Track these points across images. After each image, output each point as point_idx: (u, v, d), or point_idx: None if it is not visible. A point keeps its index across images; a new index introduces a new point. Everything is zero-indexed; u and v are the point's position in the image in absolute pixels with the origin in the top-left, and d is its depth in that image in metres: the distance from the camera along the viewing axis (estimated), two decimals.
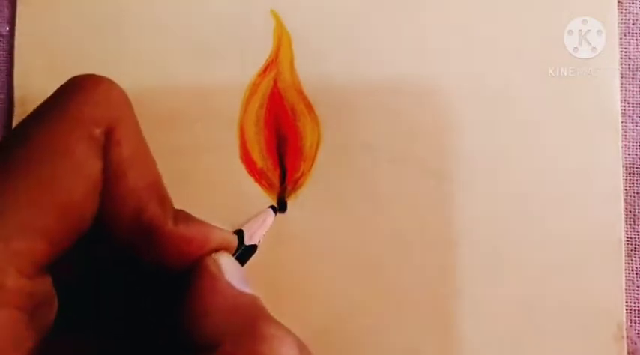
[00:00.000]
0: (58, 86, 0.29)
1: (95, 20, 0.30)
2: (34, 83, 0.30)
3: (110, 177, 0.17)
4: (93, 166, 0.17)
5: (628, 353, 0.28)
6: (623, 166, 0.29)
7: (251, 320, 0.17)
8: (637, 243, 0.29)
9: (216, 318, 0.17)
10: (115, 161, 0.17)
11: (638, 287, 0.28)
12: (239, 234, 0.26)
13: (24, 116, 0.29)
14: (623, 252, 0.28)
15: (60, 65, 0.30)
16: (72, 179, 0.16)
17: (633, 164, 0.29)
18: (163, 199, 0.18)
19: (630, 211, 0.29)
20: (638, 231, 0.29)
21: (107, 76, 0.18)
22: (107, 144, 0.17)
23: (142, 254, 0.18)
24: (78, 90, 0.17)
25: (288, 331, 0.17)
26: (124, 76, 0.30)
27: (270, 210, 0.29)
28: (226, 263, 0.19)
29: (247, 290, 0.19)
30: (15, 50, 0.30)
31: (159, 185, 0.18)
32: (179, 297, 0.18)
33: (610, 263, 0.28)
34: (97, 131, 0.17)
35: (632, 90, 0.29)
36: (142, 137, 0.18)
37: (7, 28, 0.31)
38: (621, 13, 0.30)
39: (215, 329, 0.17)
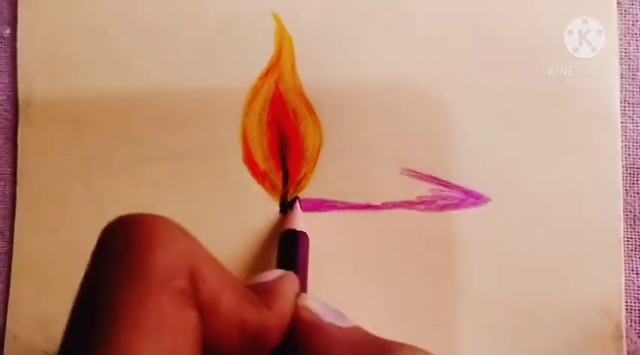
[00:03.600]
0: (61, 88, 0.30)
1: (97, 22, 0.30)
2: (38, 85, 0.30)
3: (207, 313, 0.16)
4: (191, 321, 0.16)
5: (628, 352, 0.28)
6: (623, 166, 0.29)
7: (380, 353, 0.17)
8: (637, 243, 0.29)
9: None
10: (208, 298, 0.16)
11: (637, 287, 0.28)
12: (288, 233, 0.27)
13: (29, 119, 0.30)
14: (623, 252, 0.28)
15: (63, 67, 0.30)
16: (178, 347, 0.15)
17: (633, 164, 0.29)
18: (249, 296, 0.18)
19: (630, 211, 0.29)
20: (637, 231, 0.29)
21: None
22: (194, 288, 0.16)
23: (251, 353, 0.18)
24: (138, 246, 0.16)
25: (418, 349, 0.18)
26: (127, 78, 0.30)
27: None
28: (314, 305, 0.19)
29: (348, 322, 0.19)
30: (18, 53, 0.31)
31: (240, 286, 0.18)
32: None
33: (610, 263, 0.28)
34: (182, 283, 0.16)
35: (632, 91, 0.30)
36: (210, 254, 0.17)
37: (8, 31, 0.31)
38: (621, 13, 0.30)
39: None
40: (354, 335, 0.19)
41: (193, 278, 0.16)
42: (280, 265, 0.26)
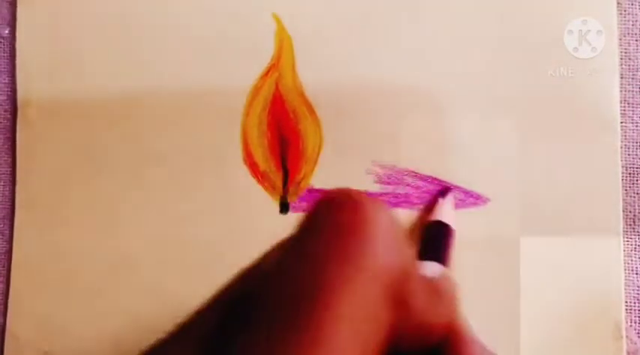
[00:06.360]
0: (60, 88, 0.30)
1: (96, 22, 0.30)
2: (37, 86, 0.30)
3: (399, 314, 0.16)
4: (388, 322, 0.15)
5: (627, 352, 0.28)
6: (622, 166, 0.29)
7: None
8: (636, 242, 0.29)
9: None
10: (404, 299, 0.16)
11: (637, 287, 0.28)
12: (439, 225, 0.28)
13: (28, 119, 0.30)
14: (623, 252, 0.29)
15: (62, 67, 0.30)
16: (372, 346, 0.15)
17: (633, 164, 0.29)
18: (430, 297, 0.17)
19: (630, 211, 0.29)
20: (637, 231, 0.29)
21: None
22: (399, 288, 0.16)
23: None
24: (365, 232, 0.15)
25: None
26: (127, 77, 0.30)
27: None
28: (471, 320, 0.19)
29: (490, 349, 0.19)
30: (17, 53, 0.30)
31: (426, 286, 0.17)
32: None
33: (609, 263, 0.28)
34: (392, 280, 0.15)
35: (632, 91, 0.30)
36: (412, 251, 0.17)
37: (7, 31, 0.31)
38: (621, 13, 0.30)
39: None
40: None
41: (401, 278, 0.16)
42: (426, 257, 0.26)
